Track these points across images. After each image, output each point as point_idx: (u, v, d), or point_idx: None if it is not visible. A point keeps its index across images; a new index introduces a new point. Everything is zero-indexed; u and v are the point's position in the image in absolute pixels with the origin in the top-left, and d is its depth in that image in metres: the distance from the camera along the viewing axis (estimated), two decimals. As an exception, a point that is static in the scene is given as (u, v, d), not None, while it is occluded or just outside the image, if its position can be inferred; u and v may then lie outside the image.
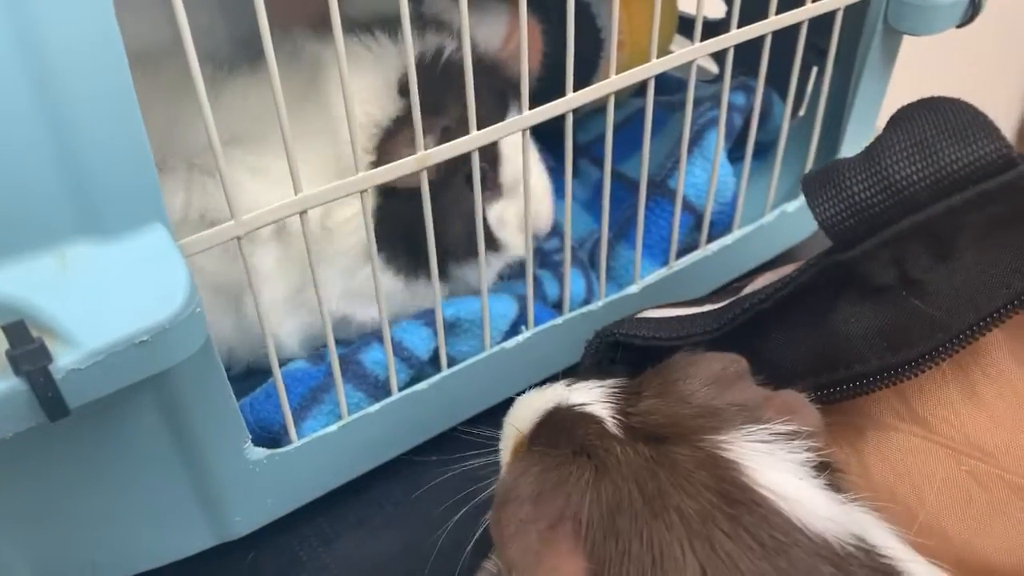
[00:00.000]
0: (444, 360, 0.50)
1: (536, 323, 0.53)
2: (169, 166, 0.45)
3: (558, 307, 0.55)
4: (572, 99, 0.45)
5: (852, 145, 0.61)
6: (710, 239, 0.58)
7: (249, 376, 0.52)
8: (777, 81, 0.58)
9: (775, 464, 0.30)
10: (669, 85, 0.70)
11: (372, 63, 0.49)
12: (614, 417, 0.32)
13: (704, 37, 0.47)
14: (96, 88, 0.31)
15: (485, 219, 0.51)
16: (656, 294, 0.56)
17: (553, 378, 0.39)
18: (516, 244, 0.54)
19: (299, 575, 0.49)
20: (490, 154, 0.50)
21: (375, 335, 0.50)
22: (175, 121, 0.44)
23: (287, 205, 0.39)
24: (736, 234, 0.59)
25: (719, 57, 0.63)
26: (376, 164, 0.47)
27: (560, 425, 0.33)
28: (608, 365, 0.42)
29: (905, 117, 0.33)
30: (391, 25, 0.50)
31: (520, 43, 0.41)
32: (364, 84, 0.47)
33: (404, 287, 0.51)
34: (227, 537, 0.47)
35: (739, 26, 0.49)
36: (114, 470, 0.41)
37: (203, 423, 0.41)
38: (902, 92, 0.42)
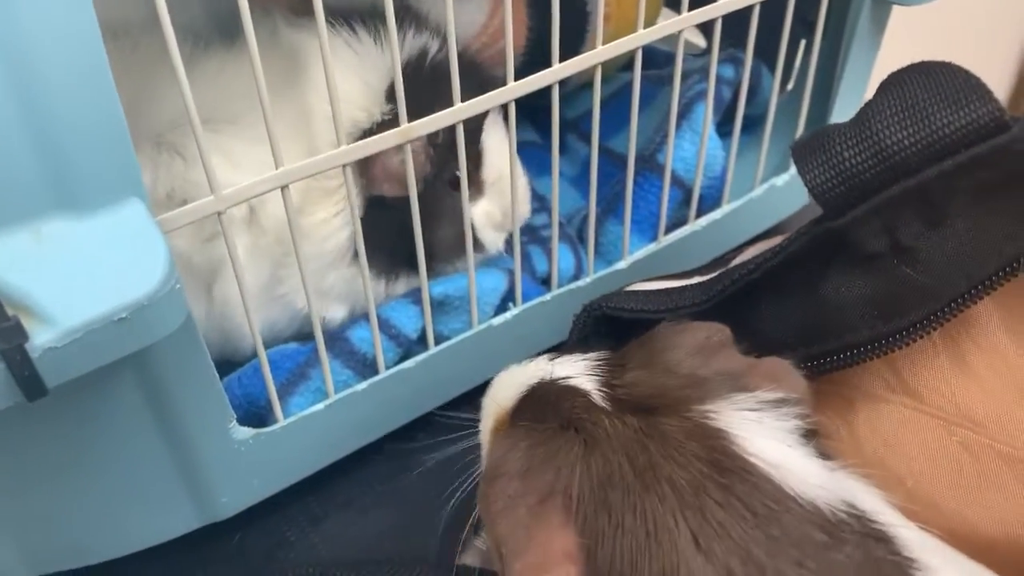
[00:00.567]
0: (431, 338, 0.49)
1: (524, 300, 0.52)
2: (136, 144, 0.44)
3: (547, 283, 0.54)
4: (558, 70, 0.44)
5: (841, 118, 0.59)
6: (699, 214, 0.57)
7: (222, 365, 0.51)
8: (765, 54, 0.57)
9: (764, 432, 0.30)
10: (657, 59, 0.69)
11: (357, 66, 0.47)
12: (600, 390, 0.32)
13: (691, 9, 0.47)
14: (70, 61, 0.30)
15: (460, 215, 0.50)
16: (645, 270, 0.56)
17: (540, 355, 0.39)
18: (495, 243, 0.54)
19: (287, 555, 0.49)
20: (473, 153, 0.50)
21: (363, 314, 0.49)
22: (144, 97, 0.43)
23: (267, 179, 0.38)
24: (725, 209, 0.58)
25: (707, 30, 0.62)
26: (362, 169, 0.46)
27: (545, 399, 0.33)
28: (596, 340, 0.41)
29: (896, 82, 0.32)
30: (371, 18, 0.48)
31: (505, 14, 0.41)
32: (348, 87, 0.46)
33: (384, 287, 0.51)
34: (213, 518, 0.46)
35: (726, -3, 0.48)
36: (96, 451, 0.40)
37: (186, 403, 0.40)
38: (892, 65, 0.42)
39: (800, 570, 0.27)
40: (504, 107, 0.45)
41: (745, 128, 0.56)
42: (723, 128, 0.60)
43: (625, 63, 0.67)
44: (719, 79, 0.59)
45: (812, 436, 0.31)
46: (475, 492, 0.34)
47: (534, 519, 0.29)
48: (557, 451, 0.30)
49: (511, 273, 0.52)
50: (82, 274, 0.32)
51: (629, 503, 0.28)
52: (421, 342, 0.50)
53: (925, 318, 0.33)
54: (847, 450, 0.38)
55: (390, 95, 0.46)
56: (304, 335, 0.51)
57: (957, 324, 0.36)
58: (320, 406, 0.46)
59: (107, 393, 0.38)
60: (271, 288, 0.48)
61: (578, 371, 0.33)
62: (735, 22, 0.49)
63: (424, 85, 0.46)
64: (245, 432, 0.44)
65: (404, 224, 0.44)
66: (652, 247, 0.56)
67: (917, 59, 0.36)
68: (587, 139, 0.66)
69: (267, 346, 0.50)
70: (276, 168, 0.38)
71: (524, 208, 0.54)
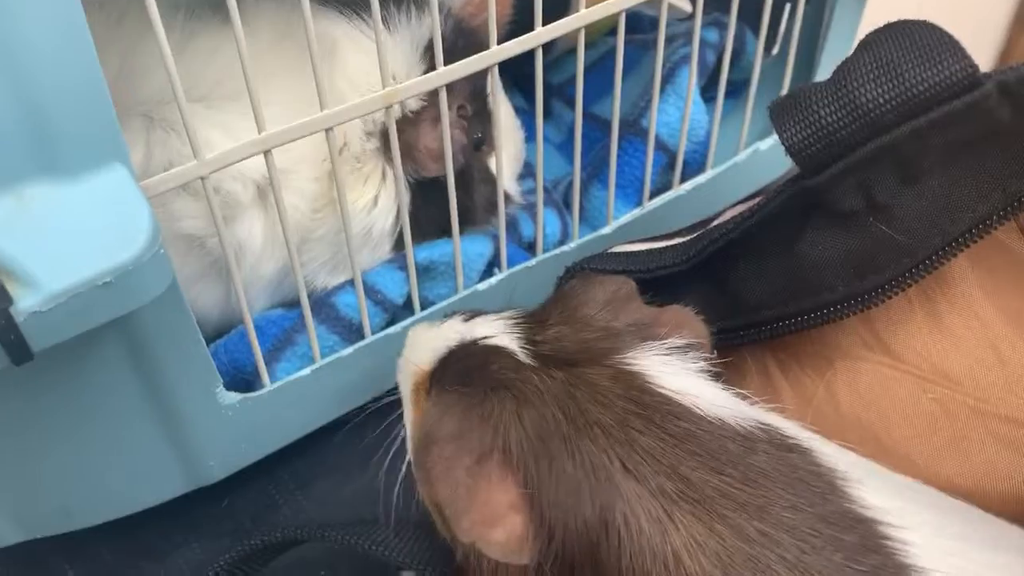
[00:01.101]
0: (417, 303, 0.50)
1: (510, 265, 0.52)
2: (129, 118, 0.44)
3: (533, 248, 0.54)
4: (541, 33, 0.44)
5: None
6: (683, 179, 0.58)
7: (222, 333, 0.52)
8: (750, 18, 0.57)
9: (675, 371, 0.32)
10: (642, 24, 0.69)
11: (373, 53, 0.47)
12: (524, 348, 0.33)
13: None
14: (50, 24, 0.30)
15: (491, 173, 0.52)
16: (630, 235, 0.56)
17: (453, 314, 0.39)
18: (517, 191, 0.56)
19: (276, 518, 0.49)
20: (484, 114, 0.51)
21: (350, 280, 0.49)
22: (135, 72, 0.43)
23: (250, 144, 0.38)
24: (709, 173, 0.58)
25: (691, -6, 0.62)
26: (407, 152, 0.47)
27: (470, 362, 0.33)
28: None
29: (873, 41, 0.33)
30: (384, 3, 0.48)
31: (486, -24, 0.40)
32: (370, 73, 0.46)
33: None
34: (202, 482, 0.47)
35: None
36: (83, 416, 0.40)
37: (173, 368, 0.40)
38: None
39: (721, 477, 0.29)
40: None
41: (729, 93, 0.56)
42: (707, 93, 0.60)
43: (609, 28, 0.67)
44: (703, 43, 0.59)
45: (718, 376, 0.34)
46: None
47: (473, 478, 0.30)
48: (491, 412, 0.31)
49: (496, 238, 0.52)
50: (66, 238, 0.32)
51: (567, 449, 0.29)
52: (407, 307, 0.50)
53: (900, 275, 0.34)
54: (824, 409, 0.39)
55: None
56: (289, 301, 0.51)
57: (933, 283, 0.37)
58: (306, 371, 0.47)
59: (93, 358, 0.38)
60: (289, 271, 0.48)
61: (498, 330, 0.34)
62: (719, -15, 0.49)
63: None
64: (232, 397, 0.44)
65: (434, 197, 0.46)
66: (637, 212, 0.57)
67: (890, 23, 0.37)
68: (572, 105, 0.66)
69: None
70: (259, 133, 0.38)
71: (520, 155, 0.55)
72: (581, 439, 0.30)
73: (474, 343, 0.34)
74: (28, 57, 0.30)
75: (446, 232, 0.49)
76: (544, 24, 0.44)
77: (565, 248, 0.54)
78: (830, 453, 0.32)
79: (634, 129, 0.58)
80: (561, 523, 0.28)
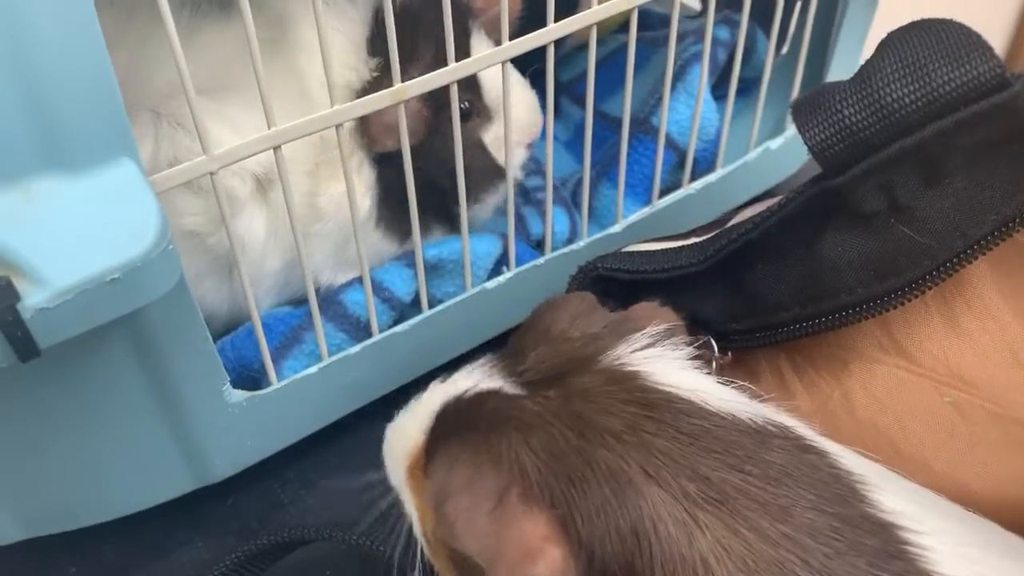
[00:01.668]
0: (425, 301, 0.49)
1: (518, 263, 0.52)
2: (136, 113, 0.43)
3: (541, 246, 0.54)
4: (553, 29, 0.44)
5: (837, 78, 0.60)
6: (693, 177, 0.57)
7: (229, 331, 0.51)
8: (760, 16, 0.57)
9: (668, 363, 0.32)
10: (651, 21, 0.68)
11: (337, 27, 0.47)
12: (510, 381, 0.32)
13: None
14: (59, 17, 0.30)
15: (485, 147, 0.50)
16: (639, 233, 0.55)
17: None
18: (518, 159, 0.53)
19: (281, 518, 0.49)
20: (469, 82, 0.49)
21: (358, 277, 0.49)
22: (142, 66, 0.43)
23: (260, 139, 0.38)
24: (719, 172, 0.58)
25: (702, -9, 0.61)
26: (363, 130, 0.46)
27: (463, 413, 0.32)
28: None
29: (897, 39, 0.32)
30: None
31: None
32: (335, 50, 0.45)
33: (400, 247, 0.50)
34: (207, 481, 0.46)
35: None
36: (88, 412, 0.40)
37: (180, 365, 0.40)
38: (888, 29, 0.41)
39: (741, 474, 0.28)
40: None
41: (739, 91, 0.56)
42: (717, 91, 0.60)
43: (618, 25, 0.66)
44: (714, 41, 0.58)
45: (706, 364, 0.33)
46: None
47: (498, 521, 0.29)
48: (498, 448, 0.30)
49: (505, 237, 0.52)
50: (74, 234, 0.31)
51: (584, 462, 0.28)
52: (415, 305, 0.50)
53: (921, 277, 0.33)
54: (840, 413, 0.39)
55: (372, 48, 0.46)
56: (297, 299, 0.51)
57: (950, 285, 0.36)
58: (313, 369, 0.46)
59: (100, 355, 0.38)
60: (293, 268, 0.48)
61: (479, 376, 0.33)
62: (731, -17, 0.49)
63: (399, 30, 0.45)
64: (239, 395, 0.44)
65: (419, 178, 0.44)
66: (646, 211, 0.56)
67: (914, 17, 0.36)
68: (581, 102, 0.66)
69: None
70: (268, 128, 0.37)
71: (536, 121, 0.53)
72: (595, 449, 0.29)
73: (459, 398, 0.33)
74: (37, 50, 0.30)
75: (425, 214, 0.48)
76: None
77: (574, 247, 0.54)
78: (844, 455, 0.32)
79: (644, 127, 0.57)
80: (597, 540, 0.27)
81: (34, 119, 0.31)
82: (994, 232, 0.32)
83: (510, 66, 0.45)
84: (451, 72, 0.42)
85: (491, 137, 0.51)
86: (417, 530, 0.35)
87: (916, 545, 0.28)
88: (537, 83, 0.52)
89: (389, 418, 0.51)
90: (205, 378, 0.42)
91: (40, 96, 0.30)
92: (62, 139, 0.31)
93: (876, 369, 0.38)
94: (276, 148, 0.38)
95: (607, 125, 0.61)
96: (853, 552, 0.27)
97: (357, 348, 0.47)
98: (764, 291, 0.36)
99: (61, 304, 0.30)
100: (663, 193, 0.57)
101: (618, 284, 0.40)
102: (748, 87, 0.61)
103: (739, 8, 0.52)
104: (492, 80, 0.50)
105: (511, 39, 0.43)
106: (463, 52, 0.43)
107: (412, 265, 0.49)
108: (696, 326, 0.40)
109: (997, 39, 1.22)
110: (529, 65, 0.51)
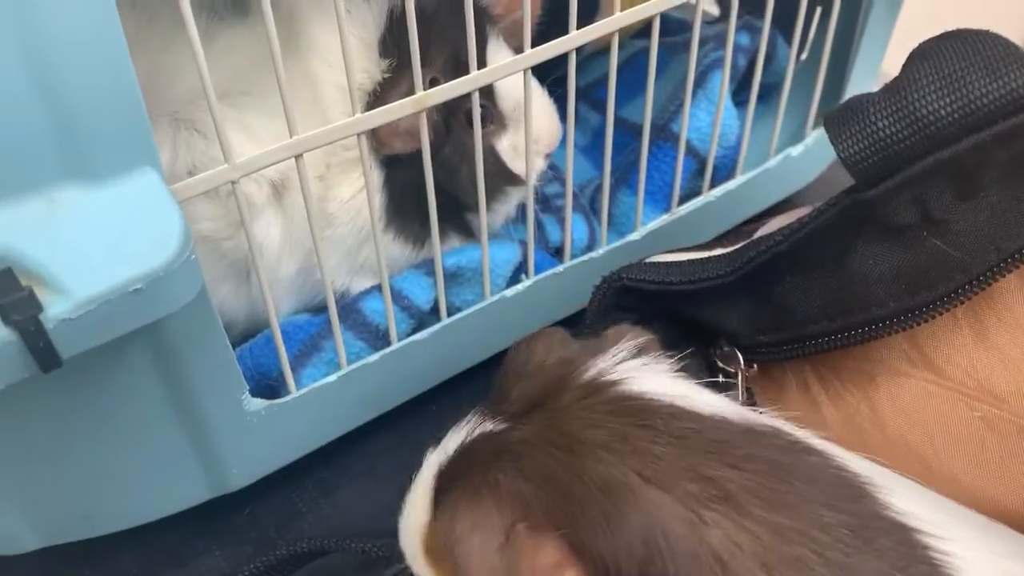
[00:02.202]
0: (444, 309, 0.49)
1: (537, 271, 0.52)
2: (154, 120, 0.43)
3: (560, 254, 0.54)
4: (575, 37, 0.43)
5: (857, 88, 0.60)
6: (713, 184, 0.57)
7: (247, 338, 0.51)
8: (781, 22, 0.56)
9: (649, 373, 0.32)
10: (670, 26, 0.68)
11: (351, 30, 0.46)
12: (494, 420, 0.32)
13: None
14: (82, 27, 0.30)
15: (498, 154, 0.49)
16: (658, 241, 0.55)
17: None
18: (535, 168, 0.52)
19: (299, 526, 0.49)
20: (484, 88, 0.48)
21: (377, 285, 0.49)
22: (161, 73, 0.43)
23: (282, 148, 0.37)
24: (739, 179, 0.57)
25: (722, -2, 0.61)
26: (369, 133, 0.45)
27: (456, 466, 0.32)
28: (617, 313, 0.41)
29: (930, 50, 0.32)
30: None
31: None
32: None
33: (415, 255, 0.50)
34: (224, 490, 0.46)
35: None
36: (108, 421, 0.40)
37: (199, 374, 0.40)
38: (910, 34, 0.41)
39: (742, 472, 0.28)
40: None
41: (760, 97, 0.56)
42: (737, 97, 0.59)
43: (637, 30, 0.66)
44: (735, 47, 0.58)
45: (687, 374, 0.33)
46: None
47: (509, 557, 0.29)
48: (492, 485, 0.30)
49: (524, 245, 0.51)
50: (96, 243, 0.31)
51: (574, 478, 0.28)
52: (434, 313, 0.50)
53: (953, 291, 0.33)
54: (868, 427, 0.38)
55: (383, 49, 0.46)
56: (315, 306, 0.51)
57: (980, 298, 0.36)
58: (332, 377, 0.46)
59: (120, 364, 0.38)
60: (309, 273, 0.48)
61: (467, 430, 0.33)
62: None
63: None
64: (257, 403, 0.43)
65: (411, 179, 0.44)
66: (665, 218, 0.56)
67: (937, 29, 0.36)
68: (598, 107, 0.66)
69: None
70: (290, 137, 0.37)
71: (555, 129, 0.52)
72: (584, 463, 0.29)
73: (451, 455, 0.33)
74: (60, 59, 0.30)
75: (423, 224, 0.47)
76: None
77: (593, 254, 0.53)
78: (848, 456, 0.31)
79: (663, 134, 0.57)
80: (608, 553, 0.27)
81: (57, 128, 0.30)
82: (1027, 246, 0.32)
83: (530, 74, 0.44)
84: (472, 80, 0.41)
85: (505, 144, 0.51)
86: None
87: (938, 551, 0.28)
88: (553, 88, 0.52)
89: (407, 426, 0.52)
90: (224, 387, 0.41)
91: (63, 105, 0.30)
92: (85, 148, 0.31)
93: (904, 383, 0.37)
94: (298, 157, 0.38)
95: (625, 131, 0.61)
96: (872, 551, 0.27)
97: (376, 356, 0.47)
98: (793, 304, 0.36)
99: (83, 315, 0.30)
100: (682, 200, 0.56)
101: (640, 294, 0.40)
102: (768, 93, 0.61)
103: (760, 14, 0.52)
104: (508, 87, 0.49)
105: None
106: (481, 59, 0.42)
107: (431, 273, 0.49)
108: (721, 338, 0.40)
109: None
110: (548, 71, 0.51)
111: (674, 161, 0.54)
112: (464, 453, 0.32)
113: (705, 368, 0.39)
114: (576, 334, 0.36)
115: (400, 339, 0.48)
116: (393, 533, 0.43)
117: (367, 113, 0.39)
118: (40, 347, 0.30)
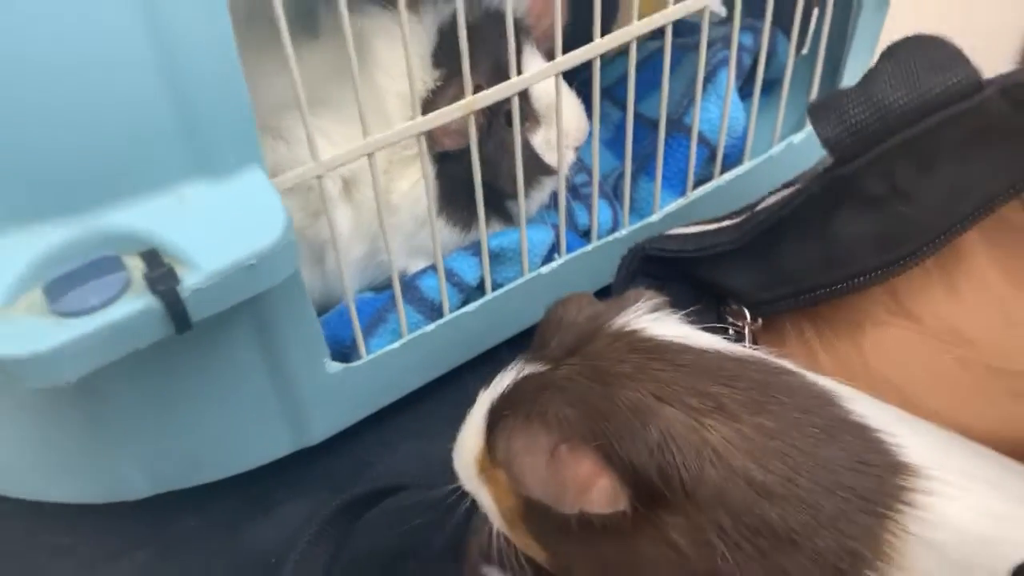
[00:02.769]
0: (489, 285, 0.56)
1: (568, 250, 0.58)
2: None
3: (588, 235, 0.60)
4: (598, 45, 0.50)
5: (851, 80, 0.65)
6: (723, 170, 0.63)
7: (320, 314, 0.58)
8: (781, 21, 0.62)
9: (659, 322, 0.38)
10: (680, 28, 0.73)
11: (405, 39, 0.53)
12: (537, 363, 0.38)
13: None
14: (208, 50, 0.36)
15: (533, 148, 0.56)
16: (675, 222, 0.61)
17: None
18: (566, 160, 0.58)
19: (369, 475, 0.55)
20: (521, 92, 0.55)
21: (431, 265, 0.56)
22: (251, 85, 0.49)
23: (357, 148, 0.44)
24: (747, 165, 0.64)
25: (728, 1, 0.67)
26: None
27: (508, 399, 0.38)
28: (641, 279, 0.48)
29: (894, 51, 0.39)
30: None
31: (554, -3, 0.46)
32: (400, 60, 0.51)
33: (463, 237, 0.57)
34: (306, 443, 0.53)
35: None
36: (215, 381, 0.47)
37: (290, 340, 0.47)
38: (898, 31, 0.47)
39: (732, 389, 0.35)
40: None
41: (763, 91, 0.62)
42: (743, 91, 0.66)
43: (650, 33, 0.72)
44: (739, 47, 0.64)
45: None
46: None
47: (554, 469, 0.35)
48: (543, 410, 0.36)
49: (556, 228, 0.58)
50: (218, 229, 0.38)
51: (609, 402, 0.35)
52: (480, 289, 0.57)
53: (919, 247, 0.40)
54: (857, 370, 0.45)
55: (436, 60, 0.53)
56: (378, 285, 0.58)
57: (950, 257, 0.42)
58: (396, 344, 0.53)
59: (226, 331, 0.45)
60: (373, 255, 0.56)
61: (515, 372, 0.39)
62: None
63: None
64: (336, 366, 0.50)
65: (459, 172, 0.50)
66: (681, 201, 0.62)
67: (921, 27, 0.43)
68: (618, 104, 0.72)
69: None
70: (364, 138, 0.44)
71: (583, 126, 0.58)
72: (616, 391, 0.35)
73: (502, 392, 0.39)
74: (190, 79, 0.37)
75: (470, 210, 0.54)
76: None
77: (617, 234, 0.60)
78: (819, 377, 0.37)
79: (677, 126, 0.63)
80: (634, 458, 0.33)
81: (188, 136, 0.38)
82: (977, 209, 0.39)
83: (561, 78, 0.51)
84: (512, 86, 0.48)
85: (539, 139, 0.58)
86: (496, 520, 0.41)
87: (890, 442, 0.35)
88: (579, 88, 0.59)
89: (460, 387, 0.58)
90: (310, 351, 0.49)
91: (193, 116, 0.37)
92: (208, 150, 0.38)
93: (887, 331, 0.44)
94: (370, 155, 0.45)
95: (643, 124, 0.67)
96: (837, 443, 0.34)
97: (432, 326, 0.54)
98: (791, 266, 0.43)
99: (211, 285, 0.37)
100: (696, 185, 0.63)
101: (661, 262, 0.47)
102: (771, 87, 0.67)
103: (761, 15, 0.58)
104: (541, 89, 0.56)
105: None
106: (518, 66, 0.49)
107: (477, 254, 0.56)
108: (730, 297, 0.46)
109: (1008, 44, 1.26)
110: (576, 73, 0.58)
111: (688, 150, 0.61)
112: (515, 389, 0.39)
113: (717, 323, 0.46)
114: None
115: (452, 311, 0.55)
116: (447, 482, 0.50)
117: (425, 116, 0.46)
118: (178, 312, 0.37)
